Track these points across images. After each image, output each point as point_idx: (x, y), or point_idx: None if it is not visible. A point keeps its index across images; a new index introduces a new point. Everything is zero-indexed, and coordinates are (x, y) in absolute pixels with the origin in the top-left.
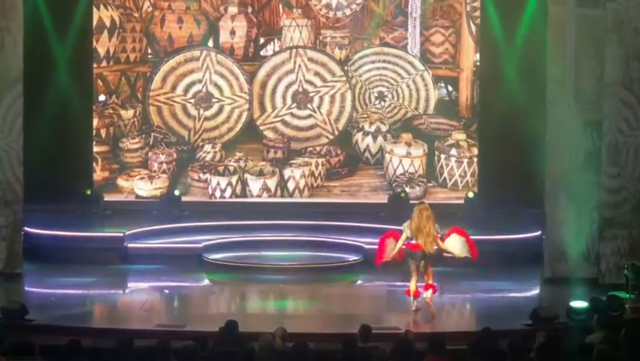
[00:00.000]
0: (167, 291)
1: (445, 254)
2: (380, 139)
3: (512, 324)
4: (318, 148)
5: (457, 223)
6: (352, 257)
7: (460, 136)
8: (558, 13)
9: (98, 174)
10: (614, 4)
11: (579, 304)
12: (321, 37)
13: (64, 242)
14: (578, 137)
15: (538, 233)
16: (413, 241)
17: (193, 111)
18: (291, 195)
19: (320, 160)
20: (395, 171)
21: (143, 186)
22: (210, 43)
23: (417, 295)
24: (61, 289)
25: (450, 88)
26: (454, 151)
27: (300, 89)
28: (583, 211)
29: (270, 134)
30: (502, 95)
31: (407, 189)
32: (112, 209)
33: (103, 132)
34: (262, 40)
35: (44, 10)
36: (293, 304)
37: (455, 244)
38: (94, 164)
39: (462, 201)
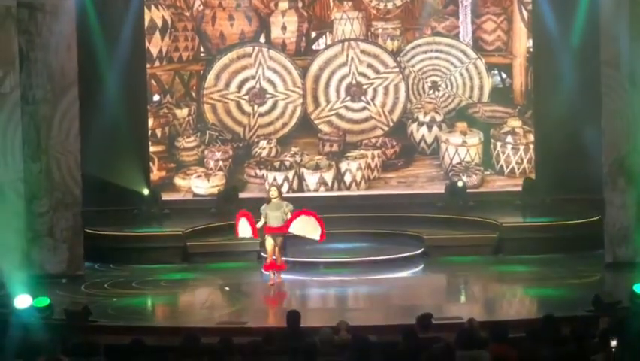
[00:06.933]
0: (227, 288)
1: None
2: (435, 129)
3: (574, 310)
4: (373, 140)
5: (515, 211)
6: (411, 248)
7: (515, 123)
8: None
9: (155, 173)
10: None
11: None
12: (372, 29)
13: (124, 242)
14: (635, 120)
15: (597, 218)
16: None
17: (247, 108)
18: (348, 188)
19: (376, 152)
20: (451, 161)
21: (200, 184)
22: (262, 39)
23: (273, 268)
24: (122, 289)
25: (503, 75)
26: (509, 138)
27: (354, 82)
28: None
29: (324, 127)
30: (557, 80)
31: (464, 178)
32: (170, 208)
33: (158, 132)
34: (314, 34)
35: (96, 13)
36: (353, 296)
37: (302, 226)
38: (150, 164)
39: (519, 189)
